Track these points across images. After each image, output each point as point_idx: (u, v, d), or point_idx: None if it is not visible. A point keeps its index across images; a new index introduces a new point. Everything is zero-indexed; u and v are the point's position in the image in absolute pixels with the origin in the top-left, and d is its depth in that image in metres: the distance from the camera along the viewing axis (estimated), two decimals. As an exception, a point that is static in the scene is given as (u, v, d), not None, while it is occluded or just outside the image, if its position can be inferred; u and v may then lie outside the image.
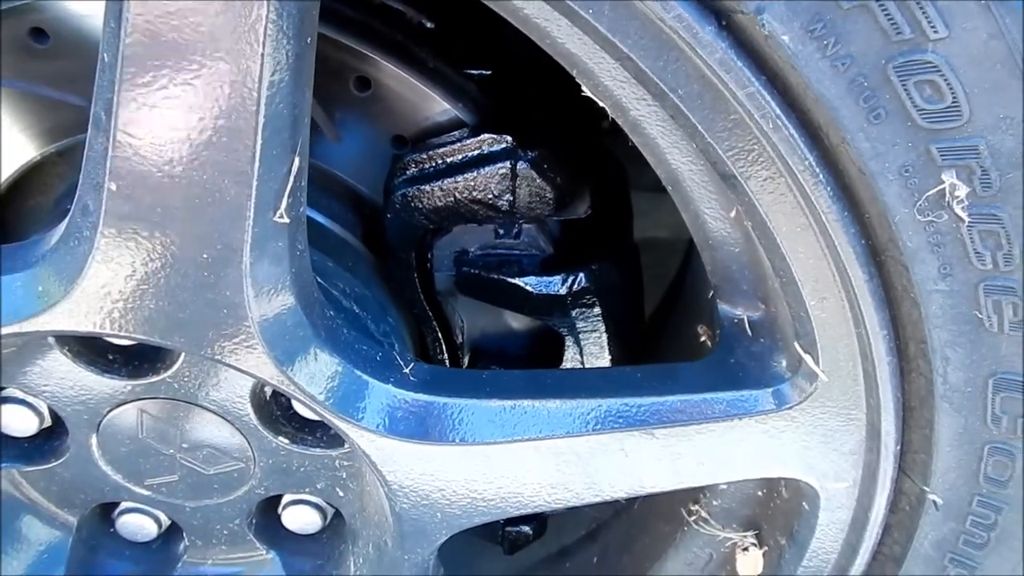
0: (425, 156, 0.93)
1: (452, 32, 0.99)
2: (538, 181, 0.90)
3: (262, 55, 0.60)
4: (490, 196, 0.91)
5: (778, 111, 0.59)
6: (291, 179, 0.68)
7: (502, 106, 0.96)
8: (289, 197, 0.69)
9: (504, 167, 0.90)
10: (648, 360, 1.27)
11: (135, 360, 0.90)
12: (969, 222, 0.62)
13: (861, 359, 0.75)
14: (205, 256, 0.70)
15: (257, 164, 0.65)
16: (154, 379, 0.89)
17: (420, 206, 0.93)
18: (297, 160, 0.68)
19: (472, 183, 0.91)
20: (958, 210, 0.60)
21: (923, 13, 0.53)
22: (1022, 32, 0.53)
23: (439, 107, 0.95)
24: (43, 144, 0.99)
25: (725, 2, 0.55)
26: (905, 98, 0.57)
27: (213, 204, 0.68)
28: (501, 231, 0.97)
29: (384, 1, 0.97)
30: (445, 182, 0.92)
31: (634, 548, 1.23)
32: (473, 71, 0.98)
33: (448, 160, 0.92)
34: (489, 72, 0.98)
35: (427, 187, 0.92)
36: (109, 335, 0.76)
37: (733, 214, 0.70)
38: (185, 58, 0.61)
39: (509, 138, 0.91)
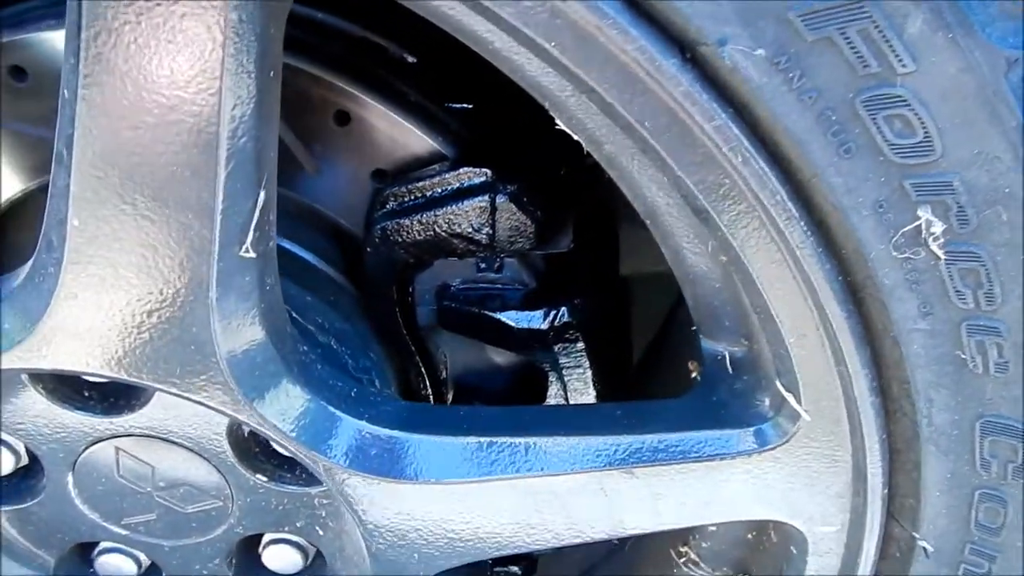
0: (405, 190, 0.92)
1: (434, 66, 0.99)
2: (518, 215, 0.89)
3: (221, 91, 0.60)
4: (469, 230, 0.90)
5: (747, 145, 0.58)
6: (257, 213, 0.67)
7: (483, 139, 0.96)
8: (256, 231, 0.68)
9: (483, 201, 0.89)
10: (641, 396, 1.26)
11: (110, 397, 0.89)
12: (947, 260, 0.60)
13: (844, 399, 0.72)
14: (171, 292, 0.69)
15: (220, 199, 0.64)
16: (129, 416, 0.88)
17: (400, 240, 0.92)
18: (263, 194, 0.67)
19: (451, 217, 0.90)
20: (934, 247, 0.59)
21: (889, 47, 0.51)
22: (992, 66, 0.51)
23: (419, 141, 0.94)
24: (27, 180, 0.99)
25: (688, 34, 0.54)
26: (875, 132, 0.56)
27: (177, 240, 0.67)
28: (482, 265, 0.95)
29: (366, 36, 0.97)
30: (424, 216, 0.91)
31: (624, 589, 1.20)
32: (455, 105, 0.98)
33: (427, 194, 0.91)
34: (471, 106, 0.98)
35: (406, 221, 0.92)
36: (74, 372, 0.75)
37: (709, 248, 0.69)
38: (144, 94, 0.60)
39: (488, 171, 0.90)
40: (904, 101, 0.53)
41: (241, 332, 0.73)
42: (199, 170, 0.63)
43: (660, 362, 1.42)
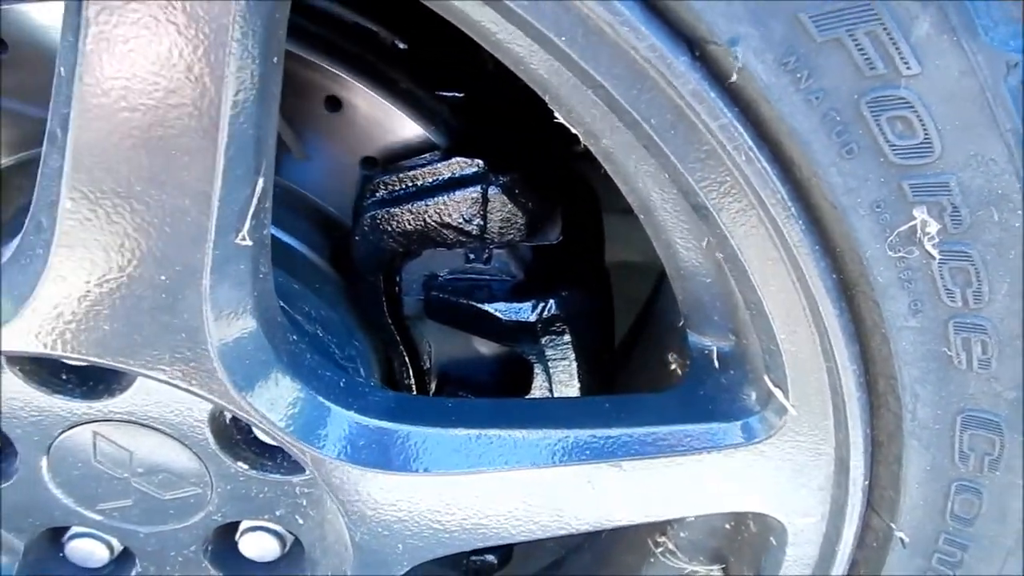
0: (395, 178, 0.91)
1: (426, 53, 0.98)
2: (509, 206, 0.89)
3: (225, 76, 0.59)
4: (460, 220, 0.90)
5: (751, 143, 0.59)
6: (255, 201, 0.66)
7: (474, 129, 0.95)
8: (252, 219, 0.67)
9: (475, 191, 0.89)
10: (617, 386, 1.26)
11: (90, 380, 0.87)
12: (940, 259, 0.61)
13: (831, 394, 0.74)
14: (163, 278, 0.68)
15: (219, 185, 0.63)
16: (109, 400, 0.86)
17: (389, 229, 0.92)
18: (261, 182, 0.66)
19: (442, 207, 0.90)
20: (929, 247, 0.60)
21: (896, 49, 0.52)
22: (992, 70, 0.53)
23: (411, 129, 0.94)
24: (5, 155, 0.96)
25: (699, 33, 0.54)
26: (878, 133, 0.56)
27: (173, 225, 0.65)
28: (471, 256, 0.95)
29: (357, 21, 0.96)
30: (415, 205, 0.90)
31: (600, 579, 1.21)
32: (446, 93, 0.97)
33: (418, 183, 0.91)
34: (462, 95, 0.97)
35: (396, 210, 0.91)
36: (60, 356, 0.73)
37: (705, 244, 0.69)
38: (146, 75, 0.59)
39: (480, 162, 0.89)
40: (907, 103, 0.55)
41: (233, 321, 0.71)
42: (198, 155, 0.62)
43: (637, 352, 1.43)
